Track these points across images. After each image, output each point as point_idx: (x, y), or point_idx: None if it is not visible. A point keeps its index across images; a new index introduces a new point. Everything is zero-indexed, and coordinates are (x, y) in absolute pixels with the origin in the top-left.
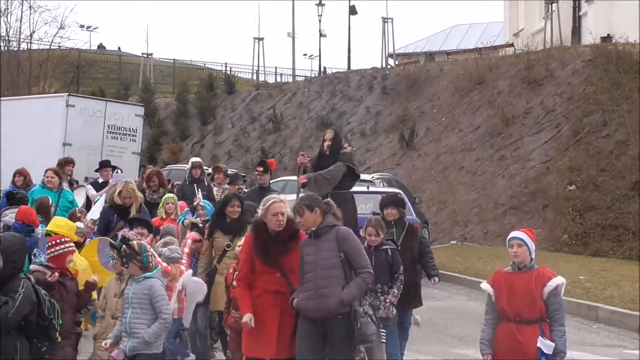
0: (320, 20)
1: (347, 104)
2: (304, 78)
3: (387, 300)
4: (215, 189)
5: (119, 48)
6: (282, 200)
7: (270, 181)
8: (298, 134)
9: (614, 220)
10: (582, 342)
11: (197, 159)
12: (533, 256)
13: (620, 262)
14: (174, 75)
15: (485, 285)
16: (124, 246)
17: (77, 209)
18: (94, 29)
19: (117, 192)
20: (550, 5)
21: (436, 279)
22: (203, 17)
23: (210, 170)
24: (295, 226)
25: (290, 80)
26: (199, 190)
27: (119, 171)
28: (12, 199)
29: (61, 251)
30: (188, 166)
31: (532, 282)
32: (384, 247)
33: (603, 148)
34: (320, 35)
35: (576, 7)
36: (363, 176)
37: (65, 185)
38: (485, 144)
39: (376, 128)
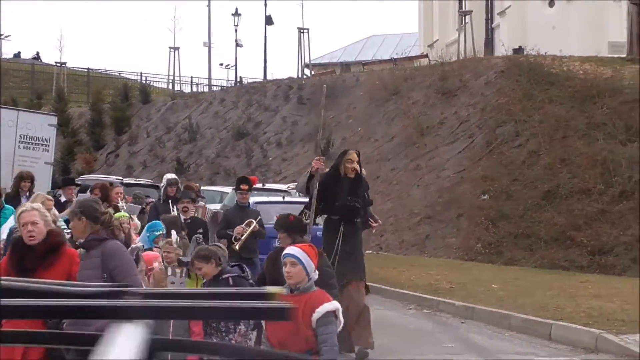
0: (236, 30)
1: (263, 113)
2: (220, 88)
3: (232, 341)
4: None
5: (37, 54)
6: (34, 209)
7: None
8: (214, 143)
9: (526, 229)
10: (495, 350)
11: (173, 176)
12: (312, 276)
13: (532, 270)
14: (88, 84)
15: None
16: None
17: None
18: (6, 37)
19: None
20: (463, 17)
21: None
22: (118, 27)
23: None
24: (57, 238)
25: (207, 89)
26: (175, 208)
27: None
28: None
29: None
30: (162, 184)
31: (301, 308)
32: (225, 275)
33: (515, 158)
34: (237, 45)
35: (489, 20)
36: (278, 186)
37: (23, 201)
38: (400, 154)
39: (292, 138)
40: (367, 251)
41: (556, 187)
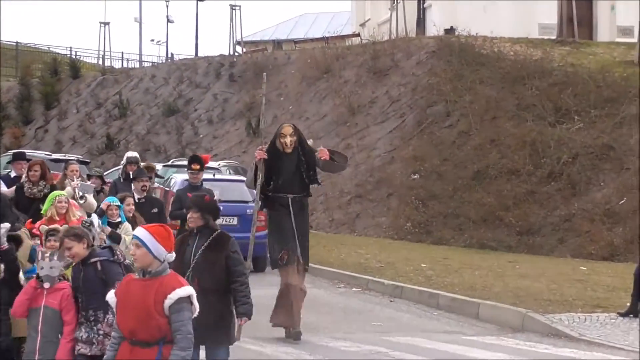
0: (167, 6)
1: (194, 90)
2: (151, 64)
3: (101, 332)
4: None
5: None
6: None
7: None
8: (144, 120)
9: (456, 209)
10: (423, 328)
11: (134, 154)
12: (163, 259)
13: (461, 249)
14: (17, 58)
15: (109, 295)
16: None
17: None
18: None
19: None
20: None
21: (245, 319)
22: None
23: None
24: None
25: (137, 65)
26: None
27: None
28: None
29: None
30: (123, 162)
31: (152, 293)
32: (93, 259)
33: (446, 138)
34: (168, 21)
35: None
36: (209, 164)
37: None
38: (331, 133)
39: (223, 115)
40: None
41: (486, 167)
